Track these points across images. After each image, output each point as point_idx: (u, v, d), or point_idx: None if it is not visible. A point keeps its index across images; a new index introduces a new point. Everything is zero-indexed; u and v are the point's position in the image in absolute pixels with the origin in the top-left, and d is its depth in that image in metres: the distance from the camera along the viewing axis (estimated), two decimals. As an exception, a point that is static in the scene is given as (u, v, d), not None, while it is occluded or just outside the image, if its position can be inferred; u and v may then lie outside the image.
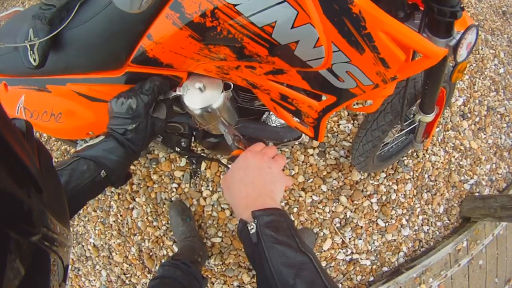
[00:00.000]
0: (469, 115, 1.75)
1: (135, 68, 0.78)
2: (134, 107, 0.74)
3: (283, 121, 0.93)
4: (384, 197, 1.58)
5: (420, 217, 1.64)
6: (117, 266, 1.72)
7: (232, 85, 0.79)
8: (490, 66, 1.95)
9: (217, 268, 1.55)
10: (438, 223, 1.67)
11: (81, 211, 1.79)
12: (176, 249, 1.59)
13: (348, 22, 0.51)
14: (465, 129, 1.72)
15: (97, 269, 1.76)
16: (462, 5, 0.60)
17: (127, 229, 1.69)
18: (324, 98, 0.70)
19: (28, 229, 0.25)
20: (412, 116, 1.13)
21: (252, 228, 0.55)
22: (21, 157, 0.23)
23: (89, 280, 1.78)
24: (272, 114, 0.93)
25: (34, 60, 0.77)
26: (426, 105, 0.99)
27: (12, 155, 0.22)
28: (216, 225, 1.59)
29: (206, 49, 0.67)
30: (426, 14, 0.62)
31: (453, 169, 1.69)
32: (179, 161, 1.63)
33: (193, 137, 1.13)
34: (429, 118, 1.03)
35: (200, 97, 0.79)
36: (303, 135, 1.04)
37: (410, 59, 0.63)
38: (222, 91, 0.78)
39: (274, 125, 0.93)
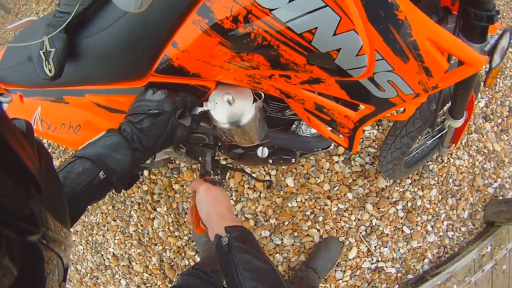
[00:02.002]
0: (491, 116, 1.73)
1: (159, 78, 0.75)
2: (163, 97, 0.70)
3: (314, 131, 0.93)
4: (409, 204, 1.57)
5: (445, 222, 1.62)
6: (137, 276, 1.74)
7: (263, 95, 0.77)
8: (510, 65, 1.93)
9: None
10: (463, 229, 1.65)
11: (100, 220, 1.81)
12: (198, 260, 1.60)
13: (394, 29, 0.50)
14: (488, 131, 1.70)
15: (117, 278, 1.78)
16: (497, 9, 0.59)
17: (147, 239, 1.70)
18: (361, 107, 0.69)
19: (27, 228, 0.25)
20: (441, 121, 1.12)
21: (225, 241, 0.65)
22: (21, 157, 0.23)
23: (107, 289, 1.79)
24: (302, 123, 0.93)
25: (50, 70, 0.74)
26: (456, 110, 0.98)
27: (12, 155, 0.22)
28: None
29: (237, 57, 0.64)
30: (461, 18, 0.62)
31: (477, 172, 1.66)
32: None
33: (217, 148, 1.13)
34: (458, 123, 1.02)
35: (229, 111, 0.75)
36: (332, 144, 1.03)
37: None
38: (253, 103, 0.76)
39: (305, 135, 0.93)
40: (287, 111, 0.87)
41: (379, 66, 0.55)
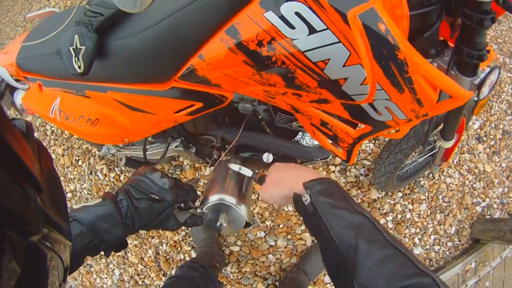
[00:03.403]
0: (484, 138, 1.86)
1: (182, 84, 0.83)
2: (168, 186, 0.74)
3: (316, 143, 1.04)
4: (399, 216, 1.69)
5: (432, 236, 1.74)
6: (131, 267, 1.82)
7: (252, 225, 0.87)
8: (507, 89, 2.06)
9: (233, 276, 1.65)
10: (449, 243, 1.77)
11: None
12: (194, 255, 1.70)
13: (393, 66, 0.61)
14: (480, 152, 1.83)
15: (110, 268, 1.86)
16: (488, 49, 0.71)
17: (145, 232, 1.80)
18: (360, 126, 0.81)
19: (28, 229, 0.25)
20: (433, 141, 1.25)
21: (306, 199, 0.60)
22: (21, 157, 0.23)
23: (100, 277, 1.88)
24: (306, 135, 1.04)
25: (79, 67, 0.77)
26: (447, 132, 1.10)
27: (12, 155, 0.23)
28: (236, 234, 1.69)
29: (258, 74, 0.73)
30: (456, 54, 0.74)
31: (466, 191, 1.79)
32: (204, 169, 1.75)
33: (224, 150, 1.24)
34: (449, 144, 1.14)
35: (224, 230, 0.83)
36: (331, 155, 1.15)
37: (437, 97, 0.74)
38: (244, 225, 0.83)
39: (308, 145, 1.04)
40: (294, 123, 0.98)
41: (378, 95, 0.67)
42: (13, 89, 1.25)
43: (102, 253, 0.70)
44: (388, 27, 0.57)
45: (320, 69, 0.66)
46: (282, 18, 0.62)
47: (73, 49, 0.78)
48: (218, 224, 0.80)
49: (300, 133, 1.07)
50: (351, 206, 0.59)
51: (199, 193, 0.82)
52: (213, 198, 0.80)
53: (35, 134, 2.13)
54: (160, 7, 0.74)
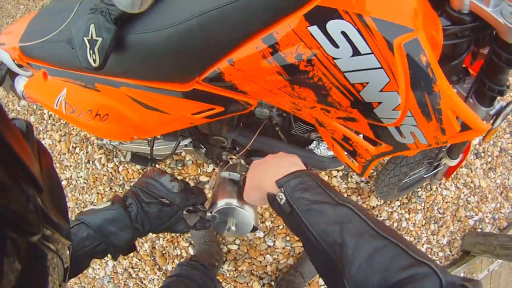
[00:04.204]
0: (482, 154, 1.94)
1: (204, 86, 0.80)
2: (178, 190, 0.75)
3: (330, 153, 1.09)
4: (395, 224, 1.77)
5: (425, 246, 1.82)
6: (125, 259, 1.84)
7: (258, 229, 0.87)
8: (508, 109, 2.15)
9: (229, 274, 1.70)
10: (440, 253, 1.86)
11: (95, 200, 1.92)
12: (191, 251, 1.74)
13: (428, 97, 0.64)
14: (477, 167, 1.92)
15: (104, 259, 1.88)
16: (508, 84, 0.77)
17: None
18: (380, 144, 0.86)
19: (28, 229, 0.25)
20: (439, 157, 1.31)
21: (282, 198, 0.56)
22: (21, 157, 0.23)
23: (93, 268, 1.90)
24: (321, 145, 1.08)
25: (94, 61, 0.72)
26: (453, 152, 1.17)
27: (12, 155, 0.23)
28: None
29: (290, 87, 0.73)
30: (477, 84, 0.79)
31: (461, 204, 1.88)
32: (206, 166, 1.77)
33: (235, 153, 1.26)
34: (453, 163, 1.21)
35: (231, 233, 0.84)
36: (343, 165, 1.20)
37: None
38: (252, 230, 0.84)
39: (321, 154, 1.09)
40: (313, 133, 1.02)
41: (407, 120, 0.71)
42: (14, 74, 1.19)
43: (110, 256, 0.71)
44: (428, 59, 0.60)
45: (357, 91, 0.68)
46: (327, 35, 0.62)
47: (88, 40, 0.72)
48: (227, 227, 0.82)
49: (314, 142, 1.11)
50: (331, 198, 0.54)
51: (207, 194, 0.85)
52: (222, 202, 0.81)
53: (31, 118, 2.10)
54: (189, 4, 0.71)
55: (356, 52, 0.62)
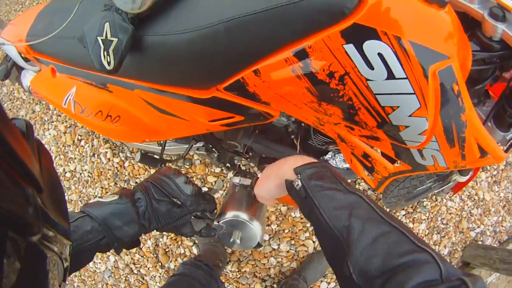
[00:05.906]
0: (488, 167, 2.01)
1: (225, 95, 0.80)
2: (191, 193, 0.76)
3: (346, 165, 1.14)
4: (399, 233, 1.83)
5: (427, 255, 1.89)
6: (128, 255, 1.89)
7: (262, 246, 0.88)
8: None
9: (232, 274, 1.75)
10: (440, 264, 1.93)
11: (98, 194, 1.95)
12: (195, 251, 1.79)
13: (454, 125, 0.68)
14: (482, 180, 1.98)
15: (106, 254, 1.92)
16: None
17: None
18: (398, 163, 0.91)
19: (28, 229, 0.26)
20: (449, 172, 1.37)
21: (298, 184, 0.61)
22: (21, 157, 0.24)
23: (94, 261, 1.94)
24: (337, 156, 1.13)
25: (109, 63, 0.70)
26: (465, 169, 1.22)
27: (12, 155, 0.23)
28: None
29: (317, 103, 0.74)
30: (497, 108, 0.84)
31: (464, 216, 1.94)
32: (214, 167, 1.82)
33: (248, 158, 1.30)
34: (463, 179, 1.27)
35: (237, 246, 0.85)
36: (357, 178, 1.24)
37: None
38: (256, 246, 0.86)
39: (336, 166, 1.14)
40: (332, 146, 1.07)
41: (430, 145, 0.75)
42: (21, 67, 1.19)
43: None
44: (460, 88, 0.64)
45: (386, 114, 0.71)
46: (363, 55, 0.62)
47: (102, 40, 0.69)
48: (231, 240, 0.83)
49: (330, 152, 1.16)
50: (343, 186, 0.59)
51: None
52: (231, 214, 0.82)
53: (37, 107, 2.12)
54: (214, 9, 0.69)
55: (390, 76, 0.64)
